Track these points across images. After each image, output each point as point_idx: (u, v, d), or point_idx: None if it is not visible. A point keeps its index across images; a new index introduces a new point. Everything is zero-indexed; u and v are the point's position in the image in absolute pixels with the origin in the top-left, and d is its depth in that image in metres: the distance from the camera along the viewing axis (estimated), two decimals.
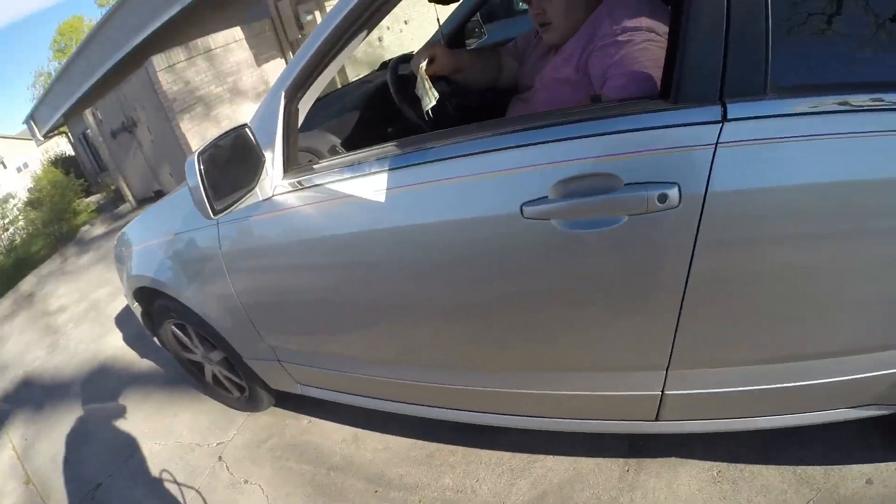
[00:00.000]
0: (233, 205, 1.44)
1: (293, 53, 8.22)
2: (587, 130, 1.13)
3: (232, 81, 7.02)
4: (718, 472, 1.75)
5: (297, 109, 1.52)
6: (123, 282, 2.41)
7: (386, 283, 1.50)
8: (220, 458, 2.36)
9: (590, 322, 1.35)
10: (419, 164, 1.31)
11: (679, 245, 1.12)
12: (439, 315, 1.51)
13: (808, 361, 1.28)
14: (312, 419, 2.42)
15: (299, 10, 7.71)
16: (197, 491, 2.24)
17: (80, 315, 4.27)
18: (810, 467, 1.69)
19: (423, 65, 1.59)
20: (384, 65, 2.94)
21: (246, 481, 2.21)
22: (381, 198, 1.35)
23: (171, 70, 6.00)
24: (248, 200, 1.51)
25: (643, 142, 1.08)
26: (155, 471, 2.41)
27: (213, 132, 6.55)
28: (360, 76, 2.72)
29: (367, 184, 1.39)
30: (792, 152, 1.02)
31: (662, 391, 1.41)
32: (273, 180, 1.53)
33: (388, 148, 1.38)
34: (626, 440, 1.88)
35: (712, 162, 1.04)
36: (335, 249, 1.49)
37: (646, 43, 1.27)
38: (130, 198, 7.08)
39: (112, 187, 7.74)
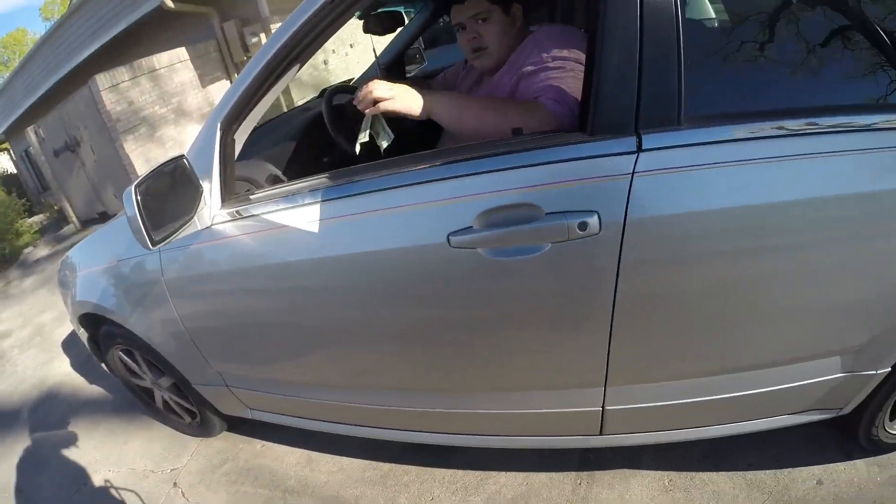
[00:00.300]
0: (171, 235, 1.44)
1: (238, 75, 8.14)
2: (509, 163, 1.18)
3: (177, 102, 6.91)
4: (670, 480, 1.79)
5: (234, 140, 1.53)
6: (68, 307, 2.36)
7: (325, 311, 1.53)
8: (174, 483, 2.32)
9: (523, 344, 1.40)
10: (351, 195, 1.35)
11: (602, 269, 1.17)
12: (380, 340, 1.54)
13: (742, 373, 1.35)
14: (265, 443, 2.40)
15: (245, 32, 7.64)
16: None
17: (24, 340, 4.12)
18: (760, 472, 1.74)
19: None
20: (324, 92, 2.96)
21: None
22: (316, 228, 1.38)
23: (114, 89, 5.85)
24: (188, 230, 1.51)
25: (562, 173, 1.14)
26: (108, 499, 2.35)
27: (156, 153, 6.45)
28: (305, 100, 2.73)
29: (301, 214, 1.41)
30: (703, 179, 1.08)
31: (603, 406, 1.46)
32: (211, 210, 1.53)
33: (322, 179, 1.41)
34: (576, 454, 1.91)
35: (629, 190, 1.09)
36: (274, 276, 1.51)
37: (574, 71, 1.33)
38: (74, 219, 6.89)
39: (55, 207, 7.51)
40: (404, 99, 1.34)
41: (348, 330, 1.55)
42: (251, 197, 1.52)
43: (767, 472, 1.74)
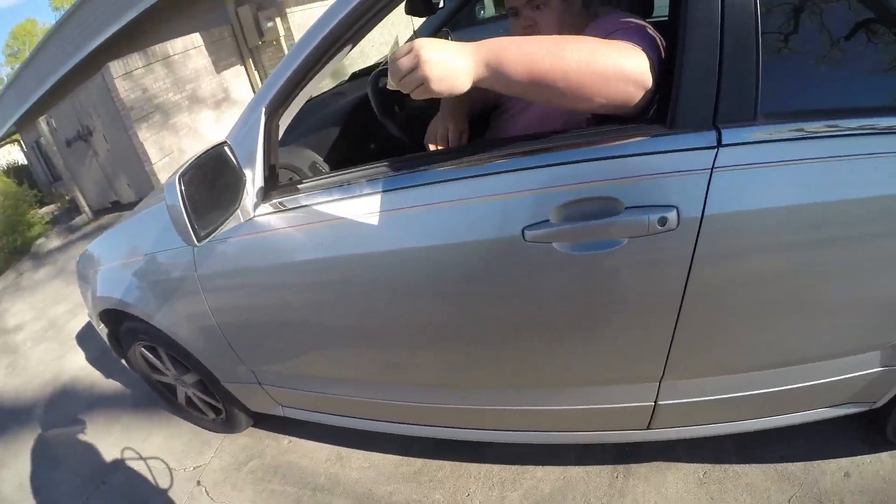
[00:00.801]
0: (216, 229, 1.37)
1: (253, 60, 8.07)
2: (587, 155, 1.14)
3: (191, 89, 6.83)
4: (704, 473, 1.80)
5: (278, 126, 1.46)
6: (87, 302, 2.31)
7: (380, 307, 1.47)
8: (198, 482, 2.27)
9: (589, 339, 1.37)
10: (414, 186, 1.29)
11: (676, 264, 1.16)
12: (439, 337, 1.50)
13: (791, 367, 1.37)
14: (293, 439, 2.35)
15: (260, 17, 7.56)
16: None
17: (38, 333, 4.07)
18: (791, 464, 1.76)
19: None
20: (354, 76, 2.88)
21: None
22: (375, 221, 1.32)
23: (128, 77, 5.77)
24: (230, 223, 1.44)
25: (643, 166, 1.11)
26: (129, 498, 2.30)
27: (171, 141, 6.39)
28: (330, 88, 2.64)
29: (358, 206, 1.34)
30: (779, 175, 1.08)
31: (655, 402, 1.47)
32: (254, 200, 1.47)
33: (380, 168, 1.35)
34: (613, 447, 1.89)
35: (708, 186, 1.08)
36: (324, 272, 1.45)
37: (639, 29, 1.22)
38: (86, 208, 6.85)
39: (67, 197, 7.48)
40: (442, 80, 1.03)
41: (402, 327, 1.51)
42: (299, 187, 1.45)
43: (797, 464, 1.76)
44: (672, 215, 1.09)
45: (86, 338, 3.72)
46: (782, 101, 1.12)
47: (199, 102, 6.99)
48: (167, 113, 6.37)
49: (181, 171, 1.27)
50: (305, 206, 1.41)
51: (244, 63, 8.02)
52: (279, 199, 1.46)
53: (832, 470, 1.72)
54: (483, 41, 1.07)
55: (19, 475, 2.64)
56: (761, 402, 1.46)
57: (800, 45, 1.19)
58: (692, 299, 1.20)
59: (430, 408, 1.71)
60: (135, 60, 5.93)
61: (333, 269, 1.43)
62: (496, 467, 1.97)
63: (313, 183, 1.44)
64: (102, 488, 2.39)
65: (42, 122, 6.75)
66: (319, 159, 1.75)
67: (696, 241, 1.12)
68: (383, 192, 1.31)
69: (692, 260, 1.14)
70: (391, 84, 1.08)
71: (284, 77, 1.37)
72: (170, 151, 6.34)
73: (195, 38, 7.01)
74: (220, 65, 7.42)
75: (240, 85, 7.93)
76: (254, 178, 1.45)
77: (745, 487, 1.73)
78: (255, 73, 8.19)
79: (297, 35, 7.95)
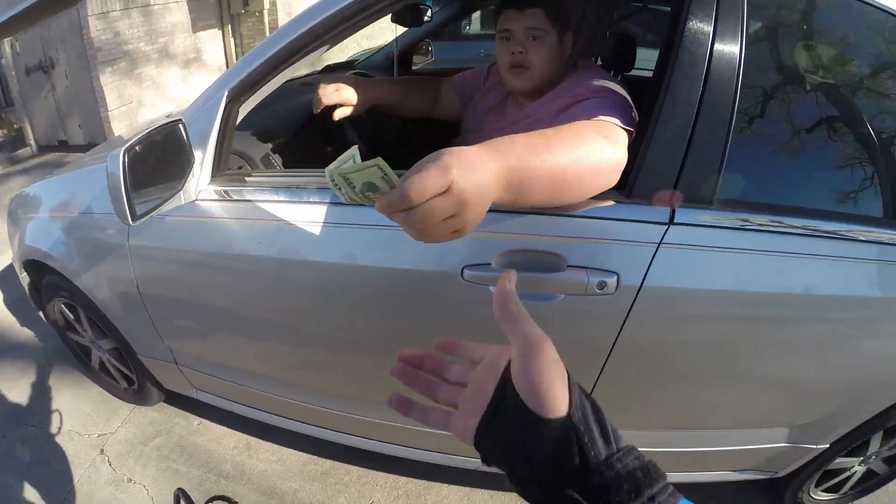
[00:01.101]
0: (154, 209, 1.31)
1: (231, 28, 7.81)
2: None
3: (163, 42, 6.54)
4: None
5: (237, 113, 1.41)
6: (13, 246, 2.20)
7: (304, 312, 1.47)
8: (101, 450, 2.18)
9: None
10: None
11: (608, 324, 1.19)
12: (357, 350, 1.51)
13: (702, 431, 1.46)
14: (203, 421, 2.30)
15: None
16: (73, 486, 2.07)
17: None
18: None
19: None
20: (328, 68, 2.84)
21: (129, 480, 2.06)
22: (317, 231, 1.29)
23: (103, 17, 5.49)
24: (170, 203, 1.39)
25: (593, 229, 1.12)
26: (28, 456, 2.19)
27: (132, 91, 6.12)
28: (301, 76, 2.58)
29: (303, 212, 1.31)
30: (720, 260, 1.12)
31: None
32: (199, 183, 1.42)
33: None
34: None
35: (652, 258, 1.11)
36: (256, 269, 1.42)
37: (615, 97, 1.24)
38: (32, 142, 6.53)
39: (15, 126, 7.12)
40: (476, 220, 0.79)
41: (323, 334, 1.51)
42: (246, 179, 1.41)
43: None
44: (612, 280, 1.12)
45: (4, 280, 3.51)
46: (741, 190, 1.16)
47: (168, 58, 6.73)
48: (134, 62, 6.11)
49: (128, 143, 1.21)
50: (250, 200, 1.38)
51: (223, 28, 7.75)
52: (225, 188, 1.41)
53: None
54: (497, 149, 0.85)
55: None
56: (670, 459, 1.52)
57: (767, 140, 1.24)
58: (618, 358, 1.24)
59: (336, 415, 1.70)
60: (113, 1, 5.71)
61: (266, 267, 1.40)
62: (403, 479, 1.98)
63: (262, 178, 1.41)
64: (2, 443, 2.27)
65: (6, 44, 6.43)
66: (272, 151, 1.71)
67: (631, 307, 1.14)
68: (331, 203, 1.29)
69: (623, 324, 1.17)
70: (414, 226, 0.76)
71: (255, 64, 1.33)
72: (129, 101, 6.12)
73: None
74: (198, 24, 7.16)
75: (213, 49, 7.68)
76: (203, 160, 1.40)
77: None
78: (232, 40, 7.92)
79: (281, 11, 7.77)
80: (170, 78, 6.84)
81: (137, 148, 1.24)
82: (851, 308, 1.20)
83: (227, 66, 7.79)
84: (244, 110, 1.44)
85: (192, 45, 7.19)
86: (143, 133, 1.26)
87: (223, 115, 1.38)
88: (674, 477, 1.53)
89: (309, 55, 1.34)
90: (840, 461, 1.61)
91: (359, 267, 1.29)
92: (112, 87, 5.81)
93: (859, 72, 1.31)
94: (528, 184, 0.89)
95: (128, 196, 1.22)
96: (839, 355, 1.28)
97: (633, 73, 1.95)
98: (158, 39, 6.50)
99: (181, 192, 1.38)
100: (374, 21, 1.30)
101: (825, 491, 1.78)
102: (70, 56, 5.99)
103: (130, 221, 1.24)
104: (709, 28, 1.07)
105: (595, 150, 1.01)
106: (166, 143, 1.32)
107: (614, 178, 1.06)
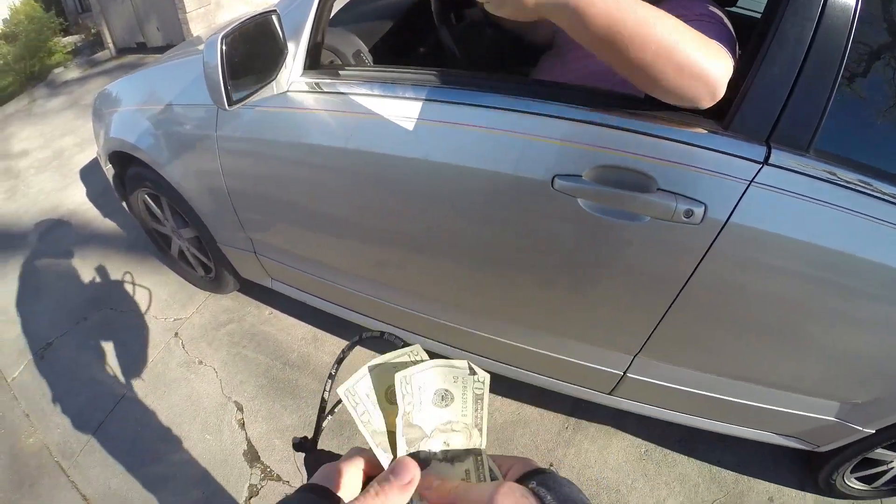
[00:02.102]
0: (249, 96, 1.35)
1: None
2: (638, 126, 1.12)
3: None
4: (645, 451, 1.90)
5: (332, 6, 1.42)
6: (99, 140, 2.29)
7: (390, 208, 1.49)
8: (176, 334, 2.36)
9: (587, 298, 1.41)
10: (458, 103, 1.27)
11: (688, 256, 1.19)
12: (438, 251, 1.53)
13: (756, 385, 1.43)
14: (275, 311, 2.42)
15: None
16: (147, 366, 2.24)
17: (43, 162, 3.98)
18: (725, 471, 1.86)
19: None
20: None
21: (200, 362, 2.23)
22: (411, 126, 1.30)
23: None
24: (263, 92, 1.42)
25: (687, 156, 1.10)
26: (107, 337, 2.38)
27: None
28: None
29: (397, 107, 1.32)
30: (805, 210, 1.09)
31: (625, 372, 1.53)
32: (291, 75, 1.44)
33: (426, 76, 1.32)
34: (570, 400, 1.95)
35: (742, 195, 1.09)
36: (345, 162, 1.44)
37: (721, 26, 1.16)
38: (111, 44, 6.61)
39: (93, 30, 7.21)
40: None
41: (406, 232, 1.53)
42: (340, 72, 1.42)
43: (730, 473, 1.86)
44: (699, 210, 1.11)
45: (90, 174, 3.69)
46: (838, 143, 1.12)
47: None
48: None
49: (225, 31, 1.24)
50: (342, 93, 1.39)
51: None
52: (316, 80, 1.43)
53: (759, 490, 1.81)
54: None
55: (3, 299, 2.68)
56: (719, 407, 1.52)
57: (873, 95, 1.19)
58: (690, 293, 1.24)
59: (408, 313, 1.74)
60: None
61: (355, 160, 1.42)
62: None
63: (355, 72, 1.41)
64: (83, 324, 2.46)
65: None
66: (365, 49, 1.70)
67: (713, 242, 1.14)
68: (426, 100, 1.29)
69: (703, 258, 1.17)
70: None
71: None
72: (207, 3, 6.07)
73: None
74: None
75: None
76: (296, 52, 1.42)
77: (678, 476, 1.83)
78: None
79: None
80: None
81: (233, 36, 1.26)
82: None
83: None
84: (338, 4, 1.44)
85: None
86: (238, 23, 1.28)
87: (318, 7, 1.39)
88: (721, 426, 1.54)
89: None
90: (881, 452, 1.57)
91: (451, 166, 1.29)
92: None
93: None
94: (586, 8, 0.91)
95: (224, 81, 1.25)
96: None
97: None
98: None
99: (274, 83, 1.41)
100: None
101: (860, 480, 1.74)
102: None
103: (227, 106, 1.28)
104: None
105: (693, 46, 0.95)
106: (260, 33, 1.33)
107: (702, 94, 0.98)
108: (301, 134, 1.48)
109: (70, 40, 6.96)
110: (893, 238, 1.09)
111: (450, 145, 1.28)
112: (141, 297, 2.57)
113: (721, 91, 0.99)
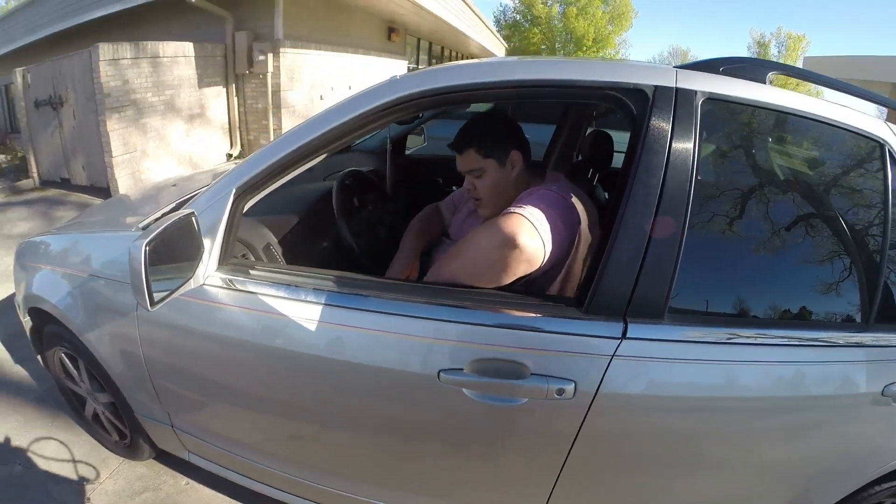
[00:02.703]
0: (170, 295, 1.44)
1: (236, 87, 8.07)
2: (507, 321, 1.31)
3: (170, 95, 6.78)
4: None
5: (243, 208, 1.57)
6: (19, 289, 2.27)
7: (294, 397, 1.59)
8: (88, 499, 2.23)
9: (482, 469, 1.52)
10: (354, 309, 1.42)
11: (566, 428, 1.34)
12: (345, 437, 1.63)
13: None
14: (192, 482, 2.35)
15: (255, 47, 7.65)
16: None
17: None
18: None
19: None
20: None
21: None
22: (312, 327, 1.43)
23: (114, 63, 5.68)
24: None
25: (553, 342, 1.28)
26: (14, 499, 2.22)
27: (136, 140, 6.28)
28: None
29: (299, 308, 1.45)
30: (666, 370, 1.29)
31: None
32: (207, 269, 1.55)
33: (327, 281, 1.48)
34: None
35: (606, 369, 1.26)
36: (254, 354, 1.54)
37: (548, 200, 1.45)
38: (35, 174, 6.59)
39: (19, 154, 7.23)
40: None
41: (310, 419, 1.63)
42: (250, 272, 1.55)
43: None
44: (570, 387, 1.27)
45: (3, 312, 3.58)
46: (692, 301, 1.33)
47: (174, 111, 6.91)
48: (141, 111, 6.28)
49: (149, 238, 1.33)
50: (252, 292, 1.51)
51: (227, 87, 8.01)
52: (230, 276, 1.55)
53: None
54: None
55: None
56: None
57: (716, 250, 1.42)
58: (575, 458, 1.38)
59: (316, 487, 1.77)
60: (124, 49, 5.86)
61: (263, 354, 1.53)
62: None
63: (263, 272, 1.55)
64: None
65: (18, 74, 6.54)
66: (275, 241, 1.85)
67: (587, 411, 1.29)
68: (323, 304, 1.44)
69: (580, 426, 1.32)
70: None
71: (261, 167, 1.50)
72: (133, 150, 6.22)
73: (187, 48, 6.99)
74: (204, 80, 7.38)
75: (217, 106, 7.88)
76: (211, 248, 1.54)
77: None
78: (235, 99, 8.14)
79: (284, 76, 8.16)
80: (174, 131, 7.03)
81: (156, 242, 1.36)
82: (794, 409, 1.36)
83: (230, 125, 8.10)
84: (248, 206, 1.59)
85: (197, 100, 7.39)
86: (162, 228, 1.38)
87: (231, 210, 1.54)
88: None
89: (312, 161, 1.51)
90: None
91: (347, 363, 1.43)
92: (118, 133, 5.95)
93: (806, 184, 1.54)
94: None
95: (148, 285, 1.34)
96: (790, 454, 1.42)
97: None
98: (165, 92, 6.70)
99: (192, 278, 1.52)
100: (376, 130, 1.47)
101: None
102: (79, 97, 6.14)
103: (149, 307, 1.37)
104: (662, 159, 1.25)
105: (485, 253, 1.36)
106: (180, 234, 1.45)
107: (525, 267, 1.34)
108: (214, 324, 1.58)
109: None
110: (755, 375, 1.30)
111: (344, 345, 1.43)
112: (51, 455, 2.43)
113: (536, 260, 1.33)
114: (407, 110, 1.45)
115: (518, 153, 1.67)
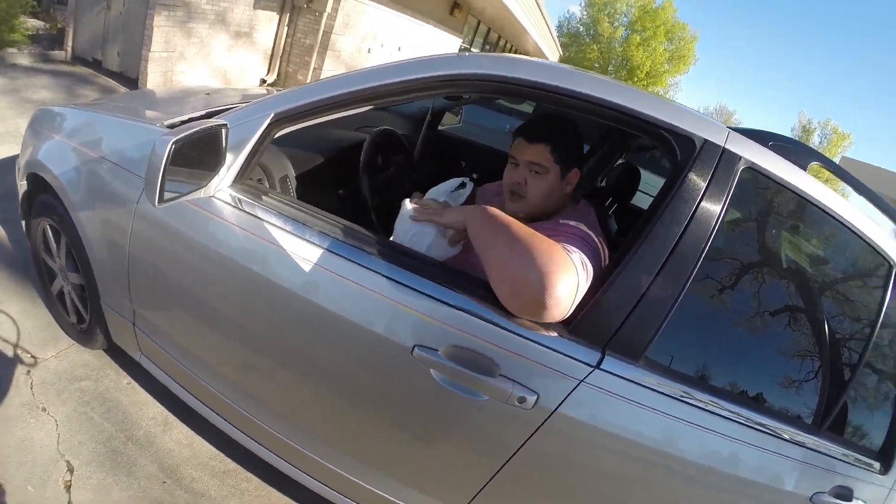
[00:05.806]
0: (178, 198, 1.45)
1: (290, 18, 8.08)
2: (492, 316, 1.31)
3: (224, 7, 6.74)
4: None
5: (274, 135, 1.58)
6: (25, 152, 2.26)
7: (265, 328, 1.59)
8: (28, 371, 2.23)
9: (425, 452, 1.54)
10: (355, 263, 1.42)
11: (514, 437, 1.37)
12: (305, 381, 1.62)
13: None
14: (133, 383, 2.35)
15: None
16: None
17: None
18: None
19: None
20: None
21: (44, 409, 2.11)
22: (308, 268, 1.44)
23: None
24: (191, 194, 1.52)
25: (529, 350, 1.30)
26: None
27: (178, 41, 6.25)
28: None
29: (301, 247, 1.46)
30: (627, 412, 1.31)
31: None
32: (220, 182, 1.55)
33: (335, 227, 1.47)
34: None
35: (571, 392, 1.29)
36: (240, 276, 1.54)
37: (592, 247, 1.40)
38: (69, 49, 6.50)
39: (59, 25, 7.17)
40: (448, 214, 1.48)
41: (277, 353, 1.62)
42: (262, 197, 1.55)
43: None
44: (532, 398, 1.29)
45: (1, 171, 3.55)
46: (667, 355, 1.35)
47: (223, 23, 6.87)
48: (191, 15, 6.24)
49: (178, 136, 1.34)
50: (258, 218, 1.52)
51: (281, 14, 7.99)
52: (240, 196, 1.55)
53: None
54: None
55: None
56: None
57: (703, 311, 1.44)
58: (514, 465, 1.40)
59: (258, 425, 1.77)
60: None
61: (249, 279, 1.53)
62: None
63: (274, 201, 1.55)
64: None
65: None
66: (293, 175, 1.85)
67: (539, 426, 1.32)
68: (326, 249, 1.44)
69: (528, 438, 1.34)
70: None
71: (304, 101, 1.51)
72: (172, 50, 6.18)
73: None
74: (260, 2, 7.37)
75: (266, 31, 7.87)
76: (231, 164, 1.55)
77: None
78: (286, 29, 8.16)
79: (340, 19, 8.21)
80: (217, 42, 6.99)
81: (184, 142, 1.36)
82: (720, 486, 1.39)
83: (273, 53, 8.07)
84: (280, 135, 1.60)
85: (248, 19, 7.37)
86: (192, 130, 1.39)
87: (263, 132, 1.54)
88: None
89: (358, 109, 1.52)
90: None
91: (330, 312, 1.43)
92: (162, 30, 5.91)
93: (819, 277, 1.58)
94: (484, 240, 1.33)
95: (162, 183, 1.35)
96: None
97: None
98: (220, 3, 6.66)
99: (202, 187, 1.52)
100: (428, 98, 1.47)
101: None
102: None
103: (156, 203, 1.37)
104: (689, 210, 1.28)
105: (529, 269, 1.21)
106: (207, 142, 1.46)
107: (539, 298, 1.19)
108: (209, 238, 1.58)
109: (35, 24, 6.82)
110: (694, 439, 1.33)
111: (334, 294, 1.43)
112: (4, 322, 2.42)
113: (558, 313, 1.21)
114: (468, 87, 1.47)
115: (578, 174, 1.62)
